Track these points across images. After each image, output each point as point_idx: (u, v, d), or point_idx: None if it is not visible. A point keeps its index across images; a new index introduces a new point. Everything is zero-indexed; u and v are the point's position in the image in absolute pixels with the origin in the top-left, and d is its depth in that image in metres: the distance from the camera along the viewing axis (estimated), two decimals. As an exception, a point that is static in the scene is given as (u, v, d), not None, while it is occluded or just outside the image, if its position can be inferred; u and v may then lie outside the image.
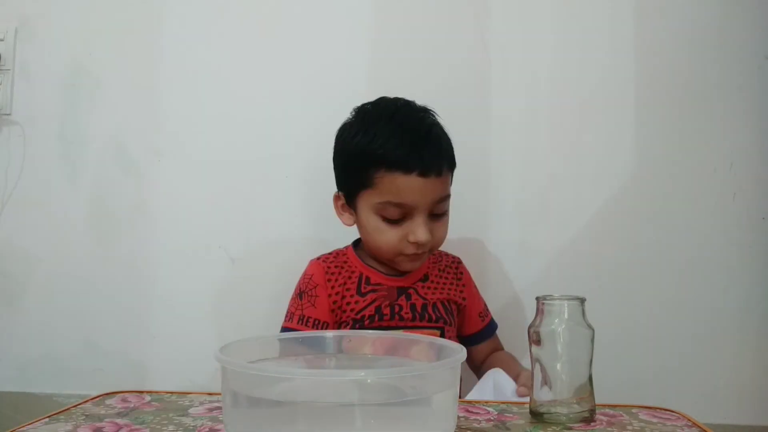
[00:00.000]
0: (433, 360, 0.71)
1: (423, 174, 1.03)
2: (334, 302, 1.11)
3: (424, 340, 0.75)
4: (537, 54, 1.41)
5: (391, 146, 1.04)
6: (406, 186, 1.04)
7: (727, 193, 1.35)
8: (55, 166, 1.49)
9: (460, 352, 0.65)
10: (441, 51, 1.42)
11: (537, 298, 0.85)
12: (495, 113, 1.40)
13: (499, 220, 1.39)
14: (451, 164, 1.12)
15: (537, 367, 0.84)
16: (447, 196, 1.09)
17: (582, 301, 0.84)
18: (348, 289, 1.11)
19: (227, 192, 1.44)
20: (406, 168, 1.03)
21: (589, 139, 1.38)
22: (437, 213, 1.09)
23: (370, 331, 0.80)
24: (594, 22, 1.39)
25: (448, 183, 1.10)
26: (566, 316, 0.83)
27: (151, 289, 1.45)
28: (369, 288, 1.11)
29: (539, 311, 0.84)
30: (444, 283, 1.18)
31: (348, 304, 1.10)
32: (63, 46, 1.50)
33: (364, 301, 1.10)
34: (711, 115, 1.36)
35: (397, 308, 1.10)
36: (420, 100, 1.18)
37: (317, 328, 1.09)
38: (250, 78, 1.46)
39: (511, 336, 1.32)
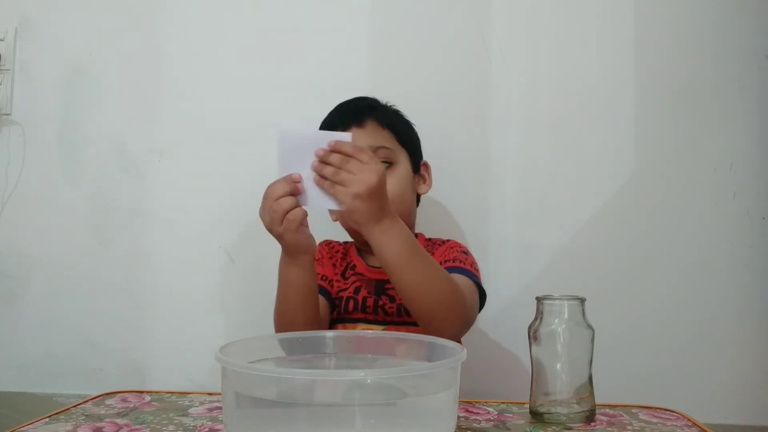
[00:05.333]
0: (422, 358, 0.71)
1: (343, 128, 1.11)
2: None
3: (424, 339, 0.75)
4: (537, 53, 1.41)
5: (325, 119, 1.16)
6: None
7: (727, 193, 1.35)
8: (55, 166, 1.49)
9: (460, 352, 0.65)
10: (441, 50, 1.42)
11: (537, 298, 0.85)
12: (495, 113, 1.40)
13: (499, 220, 1.39)
14: (383, 120, 1.14)
15: (537, 366, 0.84)
16: (379, 147, 1.10)
17: (582, 301, 0.84)
18: (336, 274, 1.17)
19: (227, 192, 1.44)
20: (330, 128, 1.12)
21: (589, 139, 1.38)
22: None
23: (370, 332, 0.81)
24: (594, 23, 1.39)
25: (377, 135, 1.12)
26: (566, 316, 0.83)
27: (151, 289, 1.45)
28: (351, 273, 1.16)
29: (539, 311, 0.84)
30: None
31: (337, 282, 1.15)
32: (63, 46, 1.50)
33: (345, 284, 1.15)
34: (711, 115, 1.36)
35: (381, 302, 1.10)
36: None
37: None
38: (250, 77, 1.46)
39: (511, 336, 1.32)
